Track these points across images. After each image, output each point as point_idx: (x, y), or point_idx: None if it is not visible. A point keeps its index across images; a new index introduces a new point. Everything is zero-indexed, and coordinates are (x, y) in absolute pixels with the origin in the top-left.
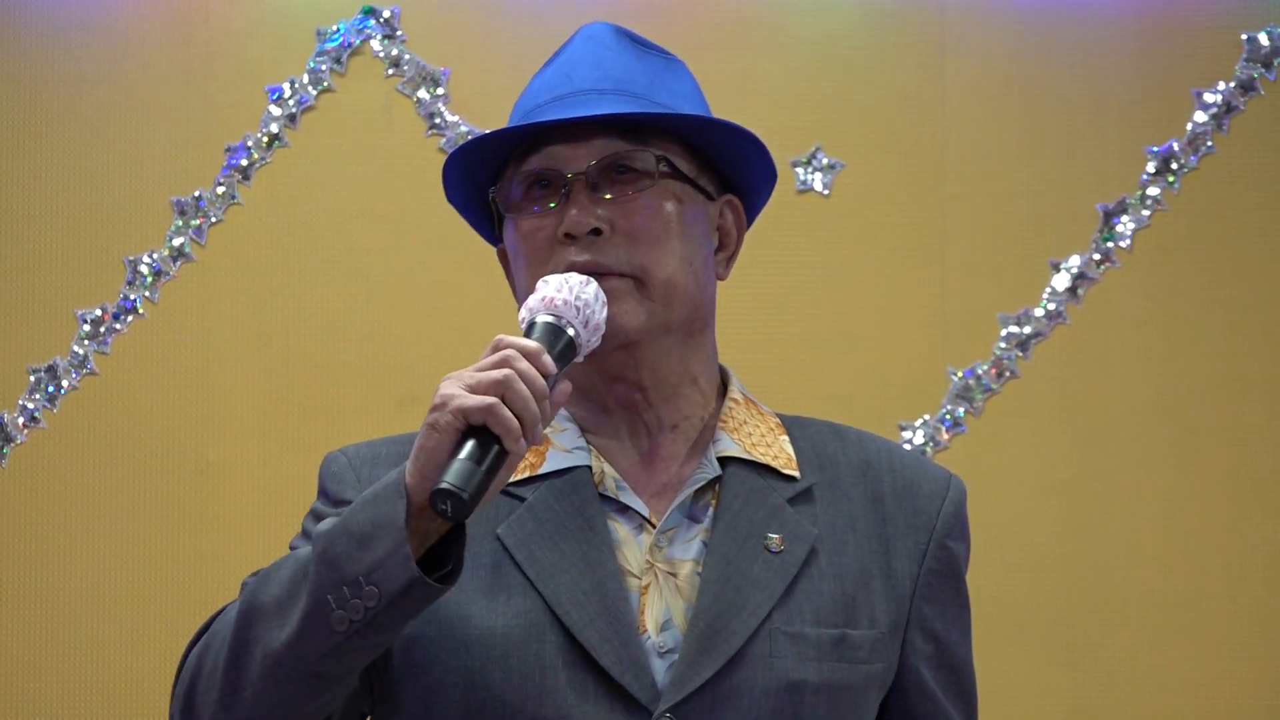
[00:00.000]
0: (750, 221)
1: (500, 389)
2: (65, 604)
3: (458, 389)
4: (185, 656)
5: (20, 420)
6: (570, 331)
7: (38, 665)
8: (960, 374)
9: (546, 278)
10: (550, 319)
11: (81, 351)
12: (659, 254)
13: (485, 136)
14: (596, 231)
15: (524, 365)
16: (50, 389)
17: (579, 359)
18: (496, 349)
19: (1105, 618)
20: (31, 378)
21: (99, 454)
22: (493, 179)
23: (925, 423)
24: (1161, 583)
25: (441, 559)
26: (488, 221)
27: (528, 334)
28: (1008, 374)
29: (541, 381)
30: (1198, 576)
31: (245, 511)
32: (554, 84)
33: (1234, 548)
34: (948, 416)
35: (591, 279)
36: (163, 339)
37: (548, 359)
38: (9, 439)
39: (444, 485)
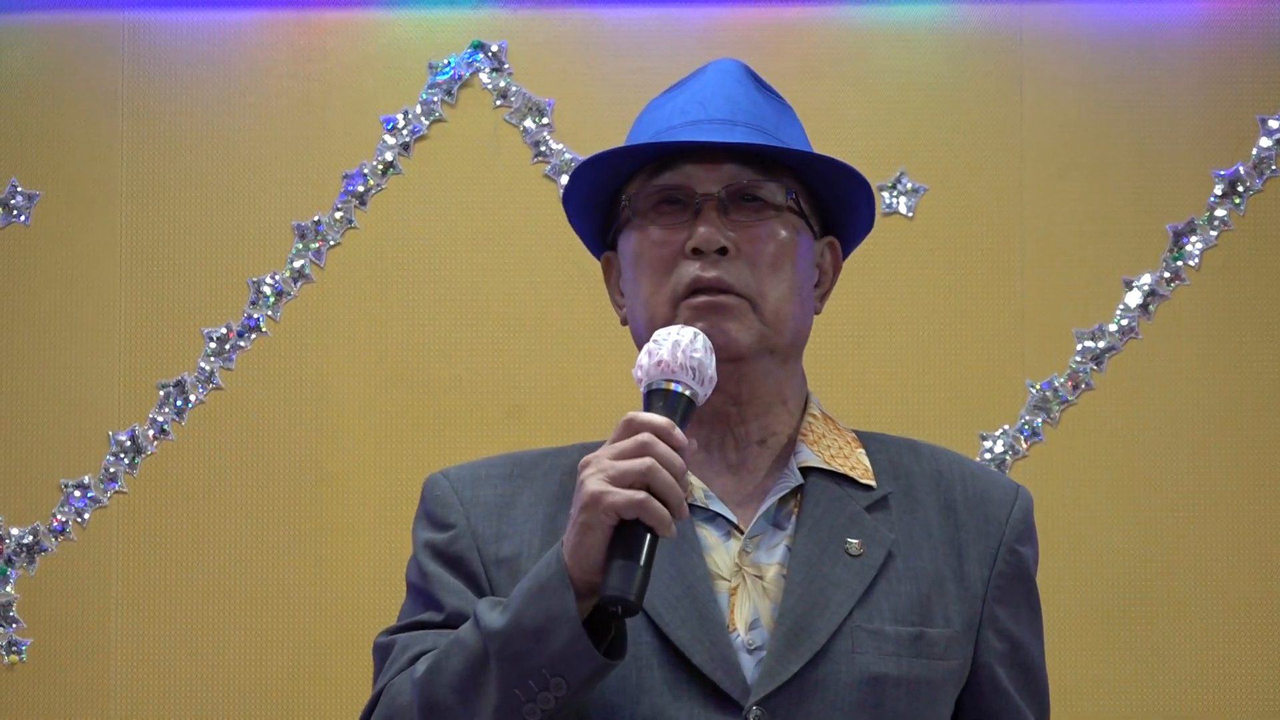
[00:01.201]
0: (843, 262)
1: (645, 479)
2: (191, 606)
3: (604, 484)
4: None
5: (151, 433)
6: (689, 393)
7: (165, 666)
8: (1038, 386)
9: (656, 337)
10: (668, 385)
11: (208, 368)
12: (774, 280)
13: (628, 148)
14: (723, 251)
15: (662, 448)
16: (178, 403)
17: (696, 410)
18: (630, 430)
19: (1177, 619)
20: (161, 393)
21: (224, 464)
22: (611, 192)
23: (1005, 433)
24: (1230, 585)
25: (602, 626)
26: (595, 231)
27: (648, 402)
28: (1083, 386)
29: (680, 461)
30: (1264, 580)
31: (362, 519)
32: (688, 110)
33: None
34: (1026, 427)
35: (699, 333)
36: (284, 356)
37: (679, 434)
38: (140, 450)
39: (613, 593)
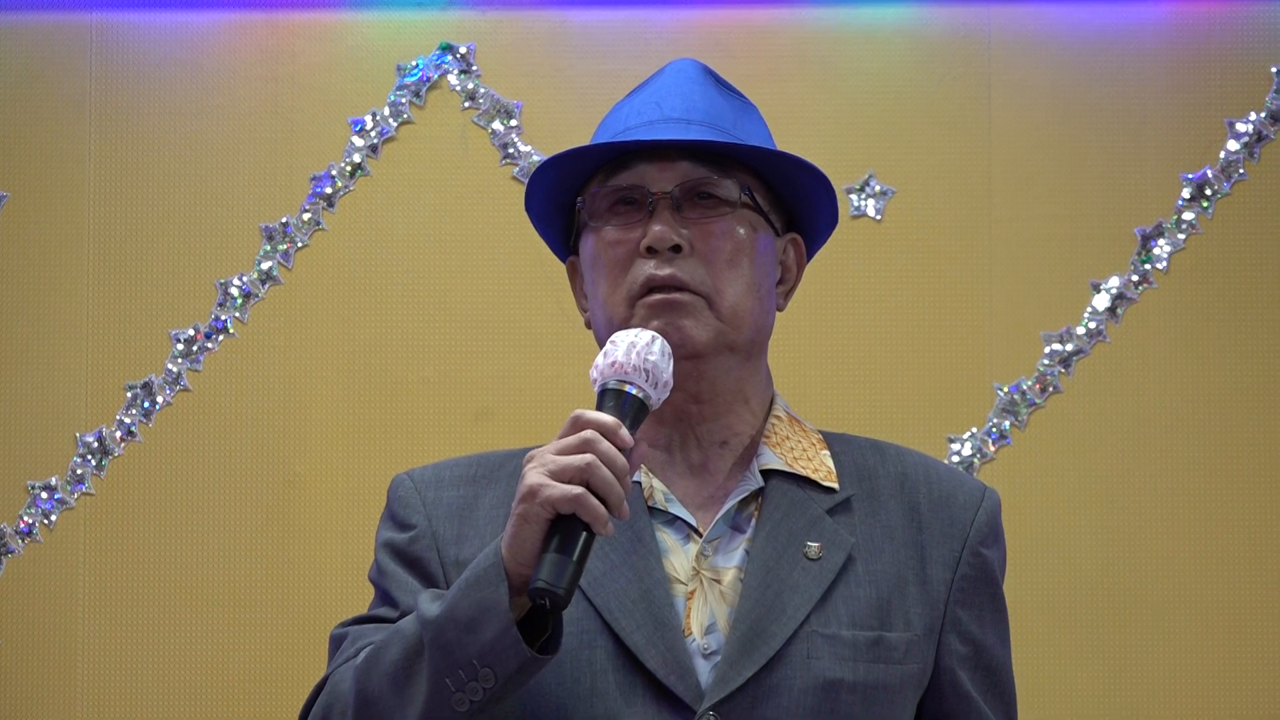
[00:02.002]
0: (808, 260)
1: (584, 475)
2: (158, 608)
3: (544, 478)
4: None
5: (118, 434)
6: (641, 395)
7: (132, 668)
8: (1006, 389)
9: (614, 338)
10: (620, 385)
11: (175, 369)
12: (731, 277)
13: (581, 149)
14: (677, 248)
15: (605, 446)
16: (146, 405)
17: (649, 413)
18: (576, 427)
19: (1144, 622)
20: (128, 394)
21: (191, 466)
22: (573, 195)
23: (972, 435)
24: (1197, 588)
25: (539, 624)
26: (559, 235)
27: (600, 401)
28: (1051, 389)
29: (623, 460)
30: (1232, 583)
31: (329, 521)
32: (644, 110)
33: (1267, 554)
34: (994, 429)
35: (657, 336)
36: (252, 357)
37: (625, 433)
38: (107, 452)
39: (540, 584)
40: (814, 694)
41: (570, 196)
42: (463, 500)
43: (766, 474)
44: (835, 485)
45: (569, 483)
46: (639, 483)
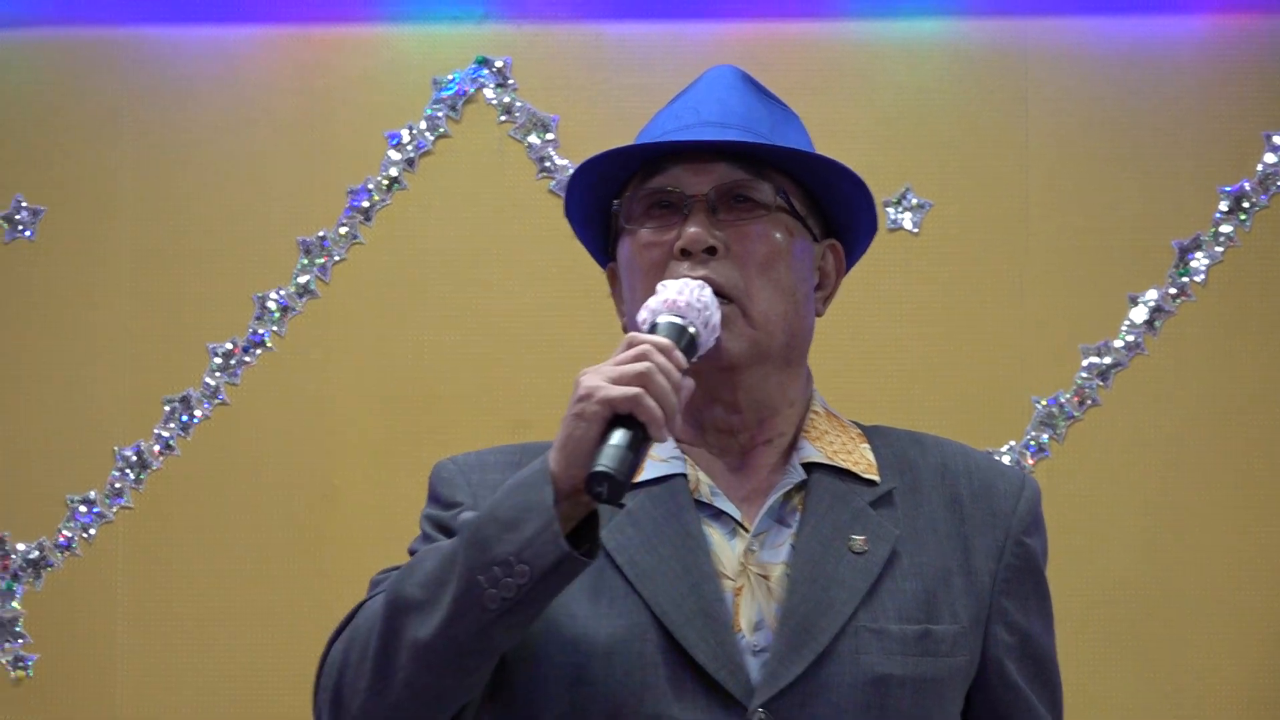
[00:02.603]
0: (849, 267)
1: (643, 380)
2: (196, 621)
3: (601, 381)
4: (327, 651)
5: (156, 448)
6: (692, 330)
7: (170, 681)
8: (1044, 402)
9: (665, 282)
10: (674, 319)
11: (213, 383)
12: (764, 280)
13: (615, 151)
14: (711, 250)
15: (661, 359)
16: (184, 418)
17: (696, 359)
18: (632, 345)
19: (1183, 634)
20: (166, 408)
21: (229, 480)
22: (611, 199)
23: (1011, 448)
24: (1236, 599)
25: (576, 542)
26: (599, 241)
27: (651, 333)
28: (1089, 402)
29: (677, 374)
30: (1272, 593)
31: (365, 534)
32: (681, 115)
33: None
34: (1032, 442)
35: (706, 284)
36: (289, 371)
37: (679, 354)
38: (146, 465)
39: (602, 469)
40: (863, 690)
41: (609, 202)
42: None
43: (808, 468)
44: (876, 478)
45: (627, 385)
46: (684, 475)
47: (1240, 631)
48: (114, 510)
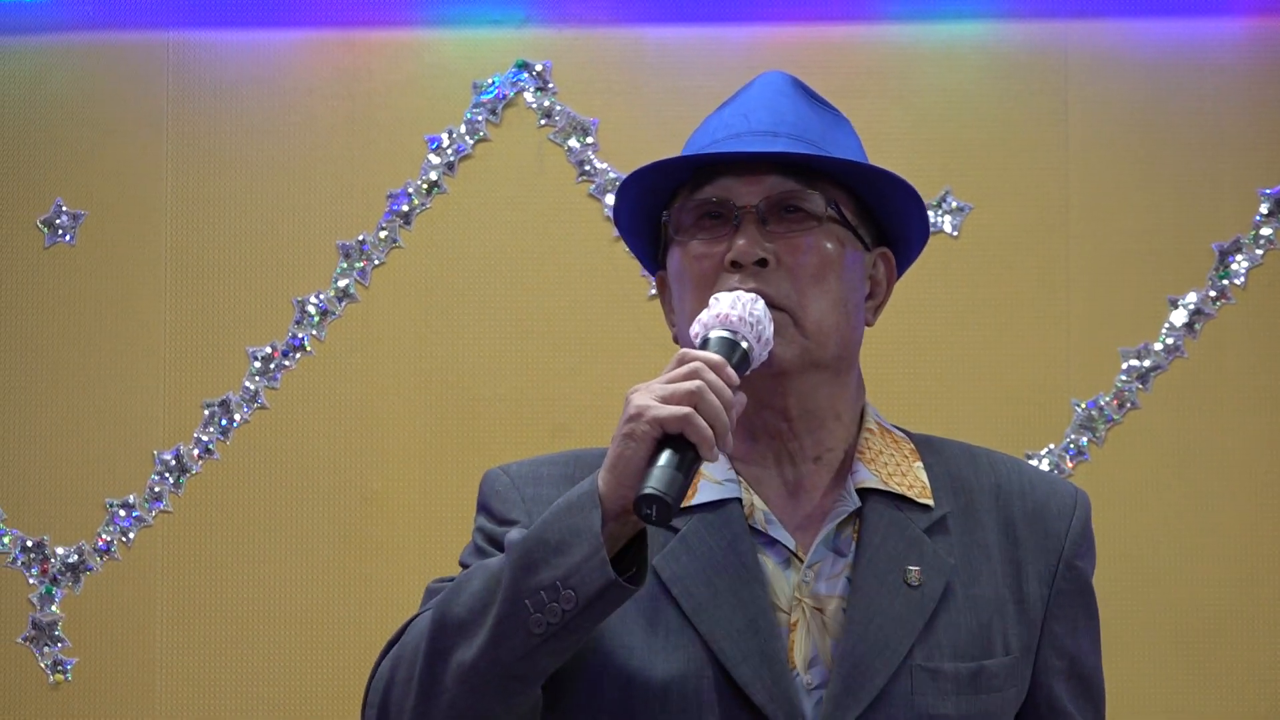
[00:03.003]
0: (900, 275)
1: (694, 399)
2: (236, 626)
3: (651, 400)
4: (377, 665)
5: (195, 452)
6: (744, 345)
7: (210, 685)
8: (1084, 405)
9: (717, 295)
10: (726, 334)
11: (253, 387)
12: (816, 292)
13: (664, 162)
14: (762, 263)
15: (712, 377)
16: (224, 422)
17: (749, 372)
18: (683, 362)
19: (1225, 638)
20: (206, 412)
21: (269, 483)
22: (660, 208)
23: (1050, 451)
24: (1278, 604)
25: (624, 565)
26: (648, 248)
27: (703, 348)
28: (1129, 405)
29: (729, 392)
30: None
31: (406, 537)
32: (731, 123)
33: None
34: (1072, 445)
35: (759, 296)
36: (329, 375)
37: (731, 371)
38: (185, 470)
39: (650, 491)
40: None
41: (658, 211)
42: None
43: (862, 493)
44: (930, 502)
45: (678, 404)
46: (739, 500)
47: None
48: (153, 514)
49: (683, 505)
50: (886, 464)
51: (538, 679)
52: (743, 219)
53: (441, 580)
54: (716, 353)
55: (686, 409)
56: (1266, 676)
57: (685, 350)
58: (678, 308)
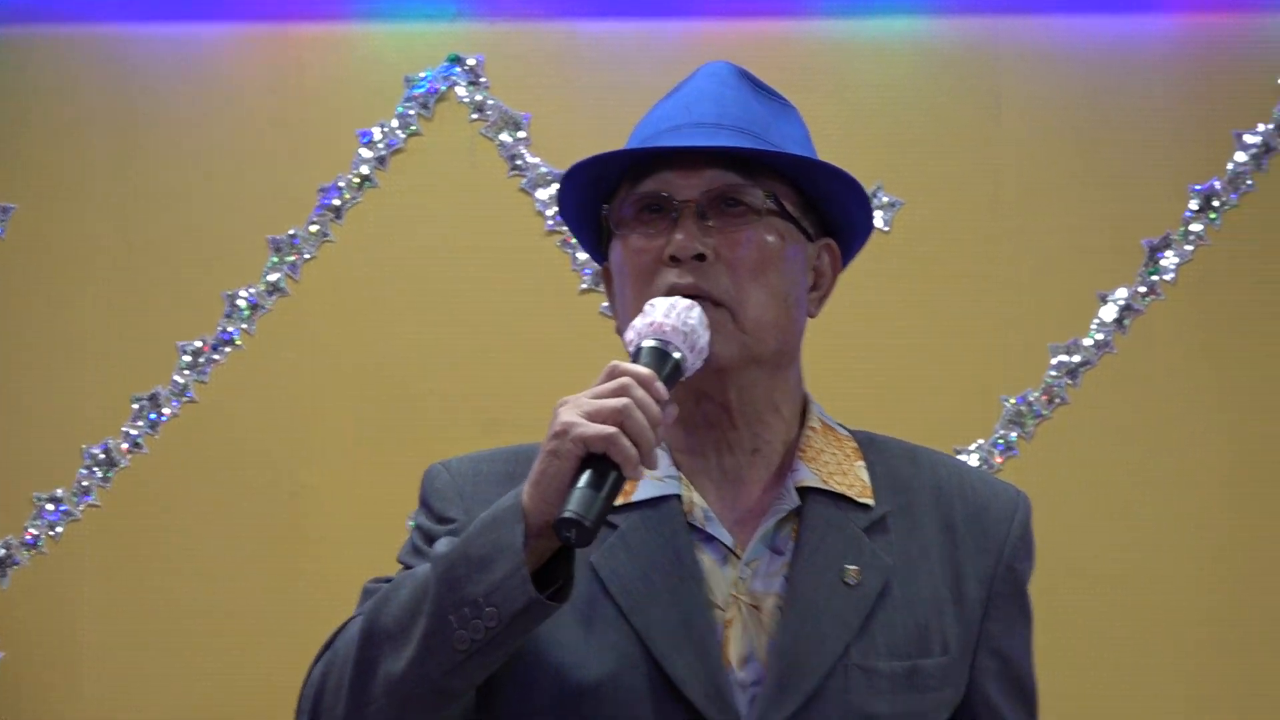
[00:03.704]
0: (845, 264)
1: (619, 417)
2: (164, 620)
3: (577, 417)
4: (311, 669)
5: (124, 446)
6: (677, 355)
7: (138, 679)
8: (1013, 400)
9: (653, 301)
10: (658, 344)
11: (182, 381)
12: (755, 287)
13: (604, 156)
14: (700, 257)
15: (640, 393)
16: (152, 416)
17: (682, 379)
18: (612, 376)
19: (1154, 633)
20: (135, 406)
21: (198, 478)
22: (603, 199)
23: (980, 446)
24: (1207, 598)
25: (551, 576)
26: (595, 239)
27: (635, 358)
28: (1058, 401)
29: (656, 409)
30: (1244, 593)
31: (336, 532)
32: (673, 114)
33: (1277, 563)
34: (1001, 441)
35: (695, 303)
36: (259, 369)
37: (661, 385)
38: (114, 464)
39: (569, 515)
40: None
41: (599, 203)
42: (500, 499)
43: (802, 491)
44: (871, 501)
45: (603, 423)
46: (679, 496)
47: (1213, 631)
48: (81, 509)
49: (622, 502)
50: (828, 463)
51: (465, 691)
52: (681, 213)
53: (378, 580)
54: (648, 364)
55: (611, 428)
56: (1193, 670)
57: (615, 364)
58: (619, 300)
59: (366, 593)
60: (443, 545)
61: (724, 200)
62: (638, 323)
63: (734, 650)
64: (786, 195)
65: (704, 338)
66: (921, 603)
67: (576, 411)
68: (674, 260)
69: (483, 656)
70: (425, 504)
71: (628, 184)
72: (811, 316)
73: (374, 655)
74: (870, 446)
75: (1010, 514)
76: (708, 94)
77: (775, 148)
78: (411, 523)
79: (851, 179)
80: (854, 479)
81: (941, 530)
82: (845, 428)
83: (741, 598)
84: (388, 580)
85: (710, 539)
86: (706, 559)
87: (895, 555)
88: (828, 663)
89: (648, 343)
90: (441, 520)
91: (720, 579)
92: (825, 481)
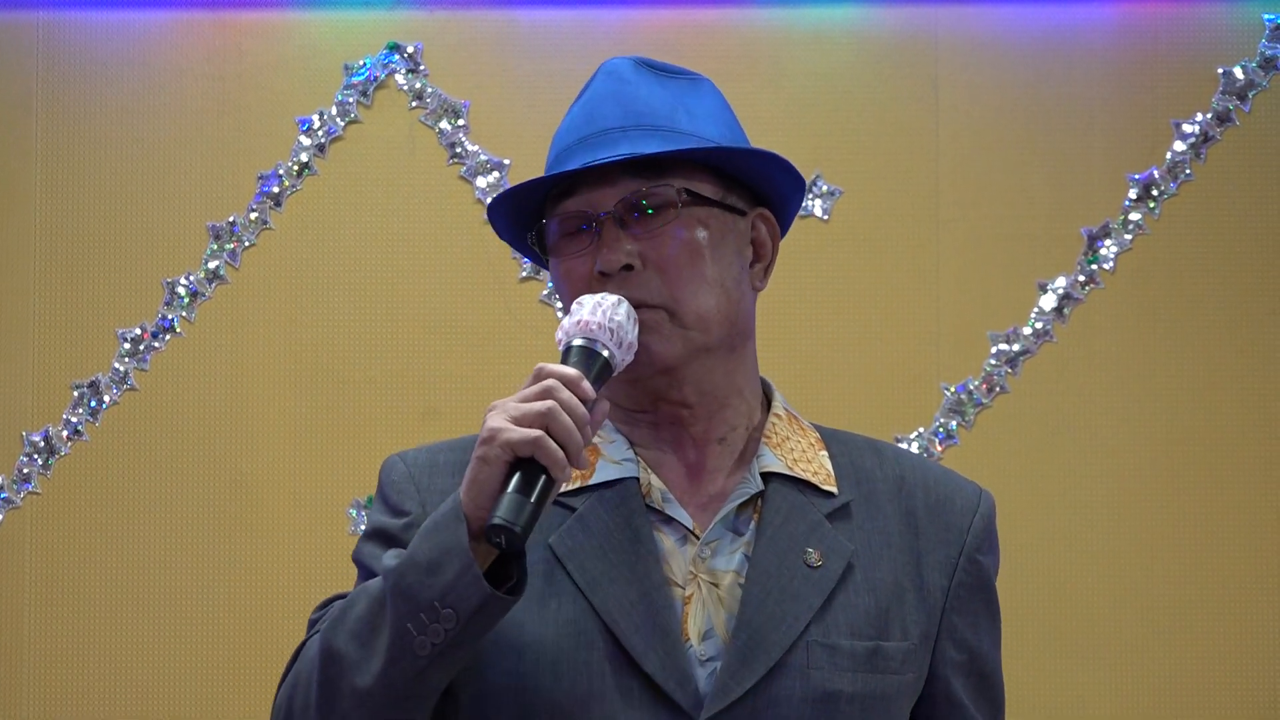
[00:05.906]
0: (785, 229)
1: (544, 420)
2: (105, 608)
3: (504, 422)
4: (277, 694)
5: (64, 433)
6: (605, 353)
7: (79, 668)
8: (953, 389)
9: (581, 299)
10: (585, 342)
11: (122, 369)
12: (690, 283)
13: (516, 189)
14: (629, 267)
15: (566, 395)
16: (93, 404)
17: (614, 375)
18: (538, 378)
19: (1091, 622)
20: (75, 393)
21: (138, 465)
22: (535, 216)
23: (919, 435)
24: (1145, 589)
25: (503, 572)
26: (535, 258)
27: (565, 357)
28: (998, 389)
29: (583, 409)
30: (1182, 581)
31: (277, 520)
32: (579, 125)
33: (1213, 552)
34: (940, 429)
35: (623, 299)
36: (199, 357)
37: (587, 385)
38: (54, 451)
39: (497, 521)
40: (812, 705)
41: (532, 223)
42: (457, 488)
43: (766, 477)
44: (834, 489)
45: (529, 427)
46: (637, 479)
47: (1148, 620)
48: (21, 496)
49: (580, 485)
50: (792, 450)
51: (434, 694)
52: (603, 226)
53: (321, 608)
54: (576, 363)
55: (537, 432)
56: (1136, 661)
57: (541, 365)
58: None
59: (312, 623)
60: (390, 559)
61: (639, 205)
62: (566, 322)
63: (693, 625)
64: (704, 180)
65: (632, 332)
66: (883, 588)
67: (503, 416)
68: (604, 275)
69: (446, 659)
70: (381, 497)
71: (550, 204)
72: (758, 290)
73: (337, 673)
74: (833, 439)
75: (973, 507)
76: (609, 94)
77: (685, 134)
78: (352, 511)
79: (760, 151)
80: (818, 466)
81: (903, 520)
82: (809, 422)
83: (701, 575)
84: (339, 597)
85: (669, 520)
86: (665, 539)
87: (857, 541)
88: (788, 638)
89: (576, 342)
90: (397, 513)
91: (679, 558)
92: (790, 468)
